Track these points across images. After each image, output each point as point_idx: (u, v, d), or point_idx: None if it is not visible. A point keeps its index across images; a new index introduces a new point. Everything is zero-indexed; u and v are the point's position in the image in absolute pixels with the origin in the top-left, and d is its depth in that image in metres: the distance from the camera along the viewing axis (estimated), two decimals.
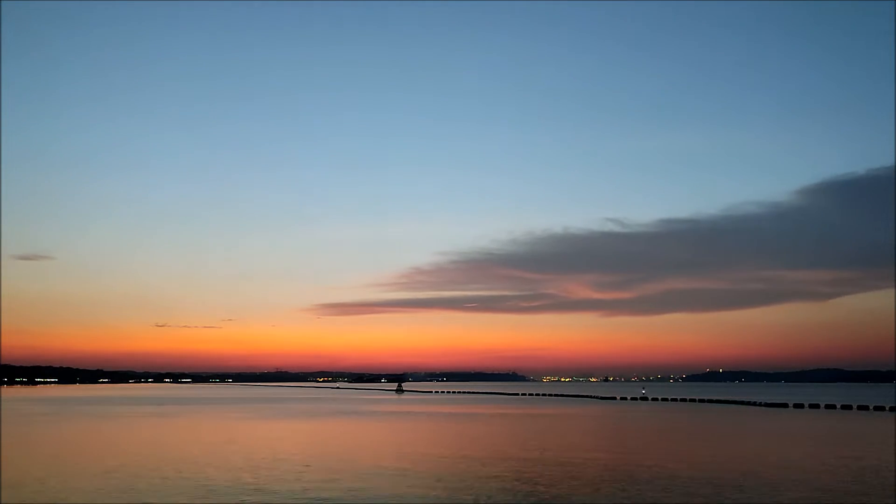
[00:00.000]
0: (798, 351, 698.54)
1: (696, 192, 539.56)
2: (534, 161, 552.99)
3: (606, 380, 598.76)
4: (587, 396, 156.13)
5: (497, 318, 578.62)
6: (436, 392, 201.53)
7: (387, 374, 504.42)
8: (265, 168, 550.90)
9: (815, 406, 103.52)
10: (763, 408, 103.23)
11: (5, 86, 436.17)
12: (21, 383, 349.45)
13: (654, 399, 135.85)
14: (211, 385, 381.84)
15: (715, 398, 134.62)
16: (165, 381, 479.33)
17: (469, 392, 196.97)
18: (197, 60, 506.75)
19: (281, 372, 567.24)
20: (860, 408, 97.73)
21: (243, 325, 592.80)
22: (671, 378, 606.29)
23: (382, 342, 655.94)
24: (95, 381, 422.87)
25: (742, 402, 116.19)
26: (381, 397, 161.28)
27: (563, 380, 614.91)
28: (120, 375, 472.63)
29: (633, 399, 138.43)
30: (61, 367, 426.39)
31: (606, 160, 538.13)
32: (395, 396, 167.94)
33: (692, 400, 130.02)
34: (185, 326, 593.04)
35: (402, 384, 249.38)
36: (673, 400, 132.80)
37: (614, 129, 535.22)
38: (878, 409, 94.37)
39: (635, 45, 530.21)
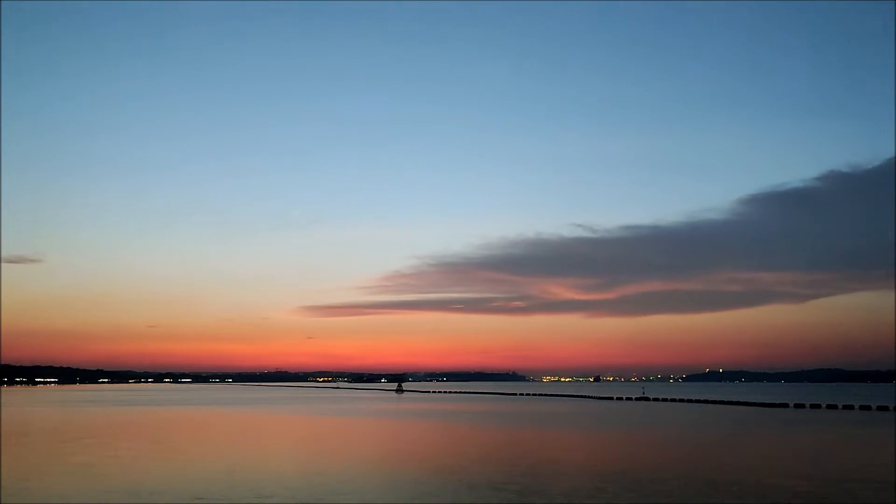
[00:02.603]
0: (794, 351, 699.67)
1: (661, 196, 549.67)
2: (502, 166, 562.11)
3: (599, 379, 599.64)
4: (588, 397, 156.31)
5: (490, 320, 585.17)
6: (434, 392, 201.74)
7: (387, 374, 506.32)
8: (273, 172, 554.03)
9: (800, 406, 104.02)
10: (765, 408, 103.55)
11: (4, 90, 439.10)
12: (21, 383, 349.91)
13: (659, 399, 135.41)
14: (211, 385, 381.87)
15: (730, 399, 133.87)
16: (165, 381, 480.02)
17: (469, 392, 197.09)
18: (187, 67, 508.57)
19: (281, 372, 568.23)
20: (845, 407, 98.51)
21: (242, 326, 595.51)
22: (671, 378, 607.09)
23: (381, 343, 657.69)
24: (95, 381, 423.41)
25: (745, 403, 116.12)
26: (381, 397, 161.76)
27: (562, 380, 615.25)
28: (120, 375, 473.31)
29: (628, 399, 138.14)
30: (61, 367, 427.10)
31: (571, 165, 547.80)
32: (395, 396, 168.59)
33: (704, 402, 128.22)
34: (180, 326, 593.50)
35: (402, 384, 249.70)
36: (690, 401, 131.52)
37: (578, 134, 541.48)
38: (864, 408, 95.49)
39: (606, 50, 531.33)
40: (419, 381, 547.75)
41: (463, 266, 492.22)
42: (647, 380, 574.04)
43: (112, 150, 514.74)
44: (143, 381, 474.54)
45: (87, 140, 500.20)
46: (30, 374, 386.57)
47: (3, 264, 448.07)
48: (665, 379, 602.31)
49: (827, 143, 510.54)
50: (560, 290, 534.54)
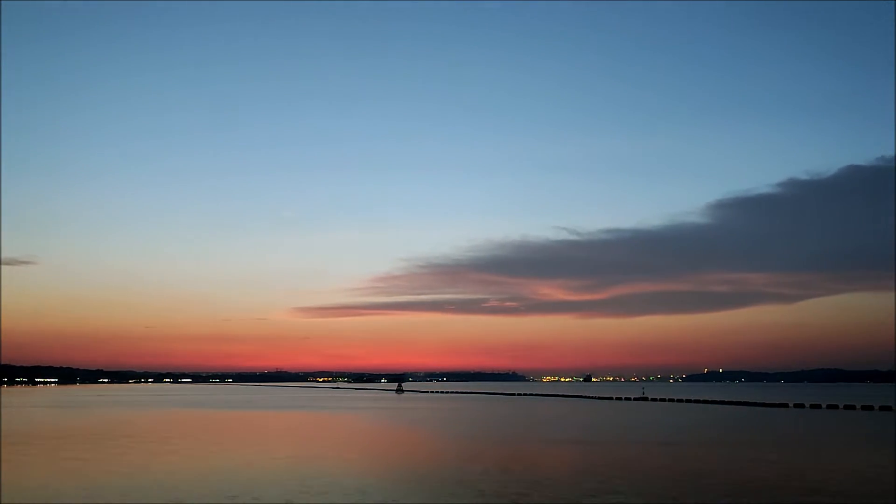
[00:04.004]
0: (792, 351, 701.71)
1: (641, 200, 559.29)
2: (487, 169, 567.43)
3: (589, 379, 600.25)
4: (588, 397, 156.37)
5: (484, 320, 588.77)
6: (434, 392, 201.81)
7: (386, 374, 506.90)
8: (264, 173, 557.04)
9: (800, 406, 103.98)
10: (765, 408, 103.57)
11: (3, 92, 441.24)
12: (21, 383, 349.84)
13: (658, 399, 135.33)
14: (212, 385, 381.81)
15: (730, 399, 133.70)
16: (165, 381, 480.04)
17: (470, 392, 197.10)
18: (182, 69, 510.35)
19: (281, 372, 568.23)
20: (847, 407, 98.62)
21: (240, 326, 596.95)
22: (671, 378, 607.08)
23: (378, 343, 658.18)
24: (95, 381, 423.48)
25: (744, 403, 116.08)
26: (382, 396, 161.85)
27: (563, 380, 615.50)
28: (120, 375, 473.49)
29: (627, 399, 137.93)
30: (61, 367, 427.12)
31: (553, 168, 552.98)
32: (395, 396, 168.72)
33: (703, 402, 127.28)
34: (179, 327, 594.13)
35: (402, 384, 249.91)
36: (689, 401, 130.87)
37: (558, 138, 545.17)
38: (866, 407, 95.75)
39: (587, 56, 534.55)
40: (419, 381, 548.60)
41: (452, 268, 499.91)
42: (647, 380, 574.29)
43: (109, 152, 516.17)
44: (143, 382, 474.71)
45: (84, 142, 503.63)
46: (30, 374, 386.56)
47: (2, 266, 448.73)
48: (665, 379, 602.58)
49: (790, 148, 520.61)
50: (550, 290, 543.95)
